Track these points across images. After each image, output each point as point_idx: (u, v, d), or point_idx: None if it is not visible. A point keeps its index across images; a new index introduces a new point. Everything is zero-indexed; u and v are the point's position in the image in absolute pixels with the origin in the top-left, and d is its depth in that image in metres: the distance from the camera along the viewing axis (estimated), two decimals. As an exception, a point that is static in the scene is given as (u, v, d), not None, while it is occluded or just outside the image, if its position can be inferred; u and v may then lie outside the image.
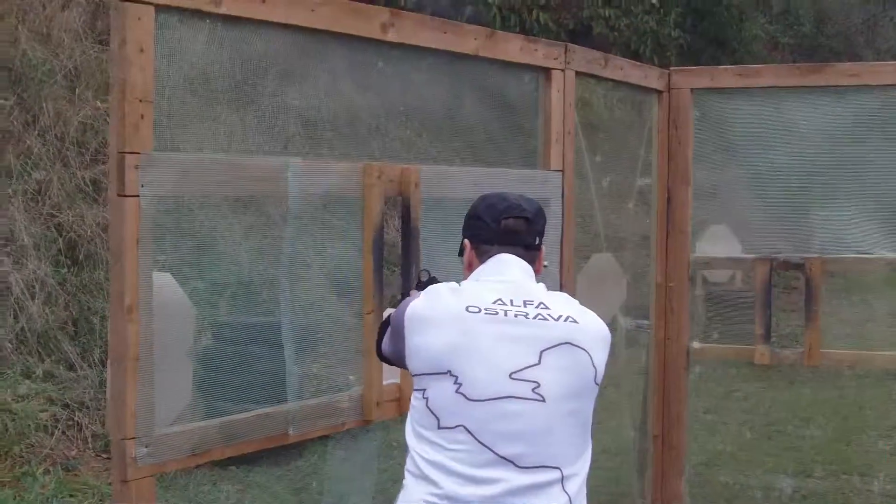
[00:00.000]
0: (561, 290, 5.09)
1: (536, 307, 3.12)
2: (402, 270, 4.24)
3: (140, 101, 3.28)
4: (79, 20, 9.76)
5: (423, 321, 3.11)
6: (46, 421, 7.48)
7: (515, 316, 3.08)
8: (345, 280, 4.30)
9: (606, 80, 5.64)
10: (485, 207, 3.31)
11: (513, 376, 3.01)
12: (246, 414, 3.73)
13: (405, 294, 3.84)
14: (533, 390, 3.01)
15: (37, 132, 8.80)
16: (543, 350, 3.05)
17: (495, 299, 3.11)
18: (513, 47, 4.78)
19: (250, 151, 7.14)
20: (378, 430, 4.69)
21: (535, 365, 3.03)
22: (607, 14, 16.72)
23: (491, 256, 3.25)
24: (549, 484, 3.03)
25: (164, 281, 3.61)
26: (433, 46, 4.36)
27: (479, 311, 3.07)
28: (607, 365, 3.20)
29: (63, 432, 7.50)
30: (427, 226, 4.23)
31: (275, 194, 3.88)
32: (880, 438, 10.11)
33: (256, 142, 7.33)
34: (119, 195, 3.27)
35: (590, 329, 3.14)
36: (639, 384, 6.39)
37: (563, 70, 5.06)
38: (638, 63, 5.93)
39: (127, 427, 3.29)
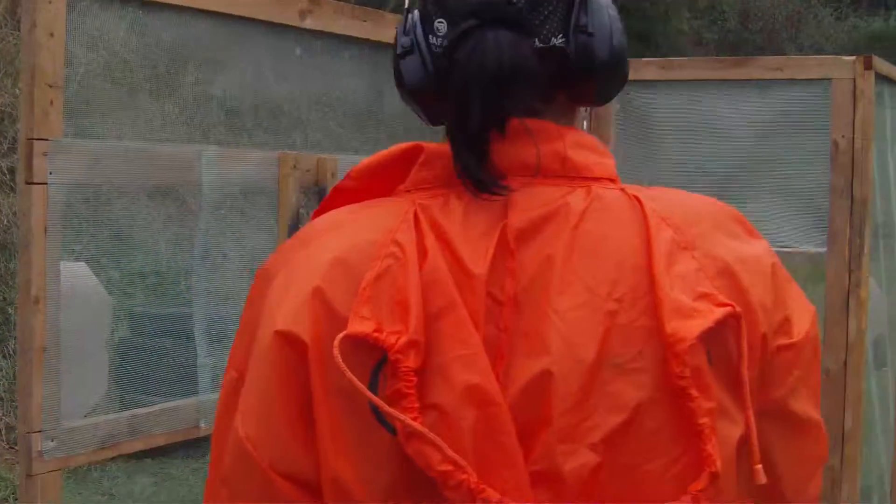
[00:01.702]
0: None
1: None
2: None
3: (50, 86, 3.22)
4: (-2, 6, 9.64)
5: None
6: (-40, 412, 7.39)
7: None
8: (261, 271, 4.26)
9: (529, 71, 5.61)
10: None
11: None
12: (156, 406, 3.68)
13: None
14: None
15: (-47, 119, 8.69)
16: None
17: None
18: (434, 37, 4.74)
19: (170, 140, 7.07)
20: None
21: None
22: (534, 7, 16.74)
23: None
24: None
25: (77, 271, 3.55)
26: (353, 35, 4.32)
27: None
28: None
29: (-24, 424, 7.42)
30: (345, 216, 4.19)
31: (189, 183, 3.82)
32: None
33: (177, 131, 7.25)
34: (27, 182, 3.20)
35: None
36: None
37: (484, 61, 5.01)
38: (560, 55, 5.90)
39: (33, 420, 3.22)
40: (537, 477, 1.31)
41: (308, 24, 4.05)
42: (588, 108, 1.60)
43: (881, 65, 5.37)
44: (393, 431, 1.31)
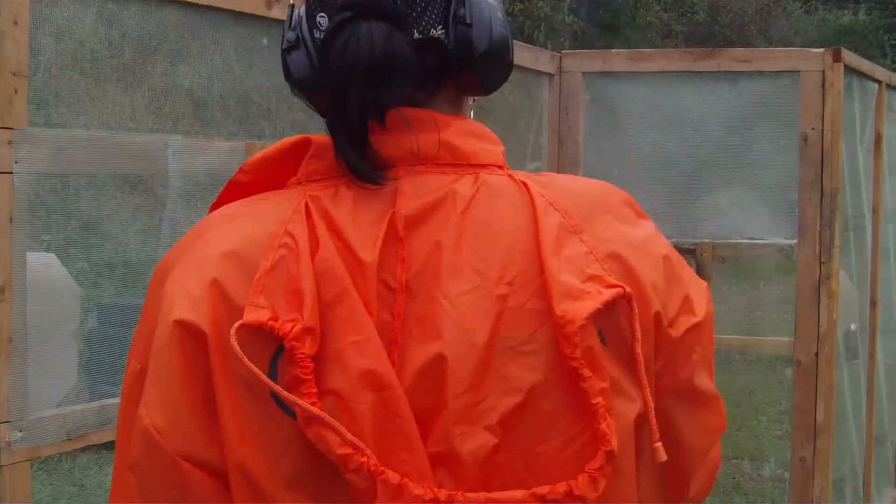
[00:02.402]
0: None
1: None
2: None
3: (14, 74, 3.18)
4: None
5: None
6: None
7: None
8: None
9: (497, 62, 5.58)
10: None
11: None
12: (125, 397, 3.65)
13: None
14: None
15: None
16: None
17: None
18: (403, 27, 4.72)
19: (138, 130, 7.04)
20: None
21: None
22: (503, -1, 16.72)
23: None
24: None
25: (46, 261, 3.53)
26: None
27: None
28: None
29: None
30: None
31: (156, 173, 3.81)
32: (771, 424, 10.23)
33: (145, 121, 7.22)
34: (-8, 172, 3.18)
35: None
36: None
37: (454, 51, 5.00)
38: (528, 46, 5.88)
39: (0, 411, 3.20)
40: (436, 459, 1.33)
41: (275, 13, 4.04)
42: (474, 99, 1.62)
43: (850, 57, 5.39)
44: (294, 417, 1.32)
